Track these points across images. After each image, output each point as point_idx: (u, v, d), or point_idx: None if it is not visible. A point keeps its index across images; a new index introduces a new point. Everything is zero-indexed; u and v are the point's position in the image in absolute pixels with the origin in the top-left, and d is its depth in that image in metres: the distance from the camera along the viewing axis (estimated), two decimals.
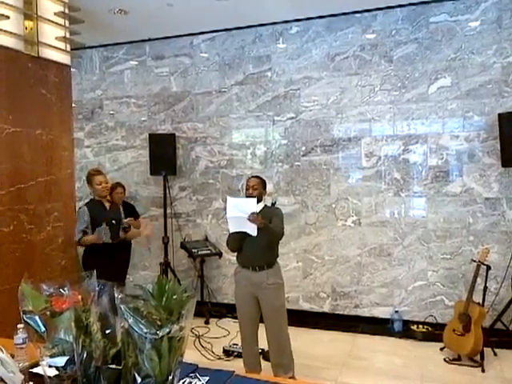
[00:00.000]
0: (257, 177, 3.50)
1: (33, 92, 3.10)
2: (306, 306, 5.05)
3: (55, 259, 3.30)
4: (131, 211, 4.77)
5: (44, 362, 1.16)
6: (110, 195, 4.87)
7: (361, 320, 4.82)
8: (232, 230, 3.31)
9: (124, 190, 4.99)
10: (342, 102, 4.86)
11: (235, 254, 3.50)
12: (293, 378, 3.27)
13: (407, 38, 4.61)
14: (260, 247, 3.27)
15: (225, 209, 5.27)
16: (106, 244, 3.77)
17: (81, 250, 3.85)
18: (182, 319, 1.08)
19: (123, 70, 5.78)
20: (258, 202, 3.35)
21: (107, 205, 3.96)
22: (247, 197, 3.35)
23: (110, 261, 3.72)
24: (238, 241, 3.35)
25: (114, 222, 3.87)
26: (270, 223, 3.27)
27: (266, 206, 3.46)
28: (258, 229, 3.16)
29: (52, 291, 1.19)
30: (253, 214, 3.12)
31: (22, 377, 1.35)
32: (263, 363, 3.58)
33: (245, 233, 3.23)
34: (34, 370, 1.42)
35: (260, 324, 3.42)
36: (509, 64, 4.31)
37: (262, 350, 3.70)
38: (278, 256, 3.46)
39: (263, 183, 3.46)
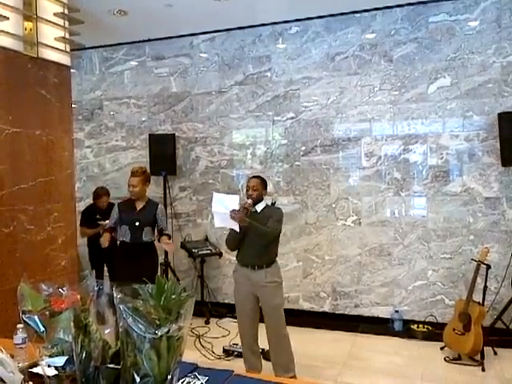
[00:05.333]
0: (257, 177, 3.50)
1: (32, 93, 3.10)
2: (306, 305, 5.05)
3: (55, 260, 3.30)
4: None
5: (43, 362, 1.16)
6: (96, 202, 4.93)
7: (361, 320, 4.82)
8: (217, 225, 3.43)
9: (108, 195, 5.01)
10: (342, 101, 4.86)
11: (234, 252, 3.52)
12: (294, 377, 3.27)
13: (407, 37, 4.61)
14: (258, 246, 3.28)
15: None
16: (126, 244, 3.89)
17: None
18: (180, 319, 1.08)
19: (123, 71, 5.79)
20: (259, 201, 3.39)
21: (139, 206, 3.97)
22: (247, 197, 3.38)
23: (130, 261, 3.81)
24: (237, 240, 3.36)
25: (137, 224, 3.89)
26: (268, 223, 3.29)
27: (267, 205, 3.46)
28: (244, 226, 3.20)
29: (51, 291, 1.19)
30: (233, 210, 3.14)
31: (22, 377, 1.35)
32: (264, 363, 3.58)
33: (238, 230, 3.24)
34: (34, 370, 1.41)
35: (260, 324, 3.43)
36: (508, 63, 4.30)
37: (263, 349, 3.70)
38: (276, 255, 3.46)
39: (264, 183, 3.47)
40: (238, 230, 3.21)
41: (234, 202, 3.20)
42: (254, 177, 3.51)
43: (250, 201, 3.34)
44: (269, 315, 3.36)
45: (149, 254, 4.02)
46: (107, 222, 4.14)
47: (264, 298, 3.33)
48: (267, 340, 3.40)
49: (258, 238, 3.27)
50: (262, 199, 3.43)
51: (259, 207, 3.39)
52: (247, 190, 3.40)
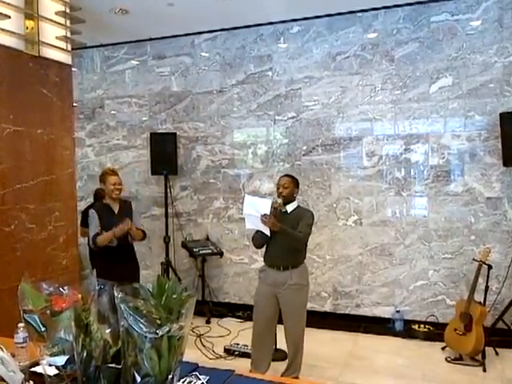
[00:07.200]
0: (288, 175, 3.47)
1: (34, 91, 3.10)
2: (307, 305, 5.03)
3: (56, 259, 3.30)
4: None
5: (44, 361, 1.16)
6: (97, 200, 4.86)
7: (362, 319, 4.82)
8: (247, 227, 3.34)
9: None
10: (344, 101, 4.85)
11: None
12: (296, 378, 3.26)
13: (408, 37, 4.60)
14: (286, 247, 3.24)
15: (225, 208, 5.37)
16: (112, 248, 3.74)
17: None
18: (181, 318, 1.08)
19: (124, 70, 5.79)
20: (291, 201, 3.35)
21: (116, 208, 3.86)
22: (278, 196, 3.34)
23: (119, 264, 3.69)
24: (264, 240, 3.32)
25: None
26: (298, 225, 3.24)
27: (298, 206, 3.41)
28: (274, 230, 3.16)
29: (52, 290, 1.19)
30: (265, 215, 3.10)
31: (23, 376, 1.35)
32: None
33: (269, 235, 3.22)
34: (35, 369, 1.42)
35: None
36: (510, 63, 4.29)
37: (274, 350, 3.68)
38: (305, 257, 3.41)
39: (295, 182, 3.41)
40: (268, 233, 3.18)
41: (265, 206, 3.15)
42: (285, 175, 3.48)
43: (280, 200, 3.29)
44: (288, 315, 3.32)
45: (133, 257, 3.97)
46: None
47: (285, 298, 3.28)
48: (286, 340, 3.39)
49: (287, 241, 3.22)
50: (294, 199, 3.38)
51: (290, 208, 3.33)
52: (278, 189, 3.37)
